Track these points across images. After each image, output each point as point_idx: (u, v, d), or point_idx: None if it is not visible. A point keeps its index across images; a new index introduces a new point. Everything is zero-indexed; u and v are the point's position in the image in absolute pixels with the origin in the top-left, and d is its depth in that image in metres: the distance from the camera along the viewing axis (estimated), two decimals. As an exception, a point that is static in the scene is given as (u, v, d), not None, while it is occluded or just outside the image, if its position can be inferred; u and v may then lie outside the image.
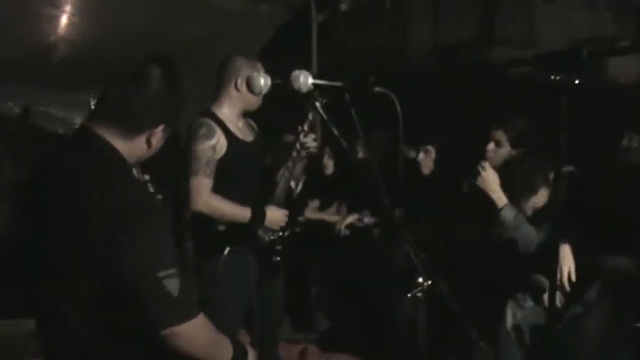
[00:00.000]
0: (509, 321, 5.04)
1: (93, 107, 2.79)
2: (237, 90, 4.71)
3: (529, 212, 5.06)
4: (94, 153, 2.69)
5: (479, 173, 5.02)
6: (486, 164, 5.04)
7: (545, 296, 5.00)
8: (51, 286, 2.69)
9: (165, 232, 2.67)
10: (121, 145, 2.73)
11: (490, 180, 5.00)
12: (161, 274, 2.54)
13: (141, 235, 2.55)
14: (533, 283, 5.13)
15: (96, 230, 2.52)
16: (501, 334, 4.96)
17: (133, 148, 2.77)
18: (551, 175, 5.00)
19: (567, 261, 4.66)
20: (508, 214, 4.97)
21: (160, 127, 2.79)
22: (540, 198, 5.11)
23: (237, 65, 4.72)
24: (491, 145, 5.22)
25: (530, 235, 4.92)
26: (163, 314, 2.58)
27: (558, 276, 4.52)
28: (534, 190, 5.04)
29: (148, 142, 2.79)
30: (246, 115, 4.89)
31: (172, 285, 2.56)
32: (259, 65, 4.72)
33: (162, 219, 2.71)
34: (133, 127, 2.74)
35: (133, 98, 2.71)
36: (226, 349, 2.89)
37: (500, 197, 5.00)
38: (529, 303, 5.10)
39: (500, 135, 5.25)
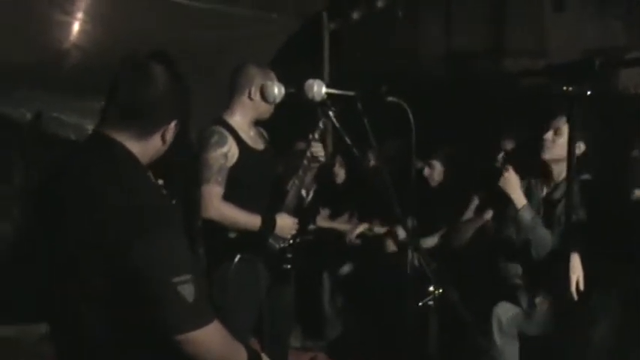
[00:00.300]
0: (495, 328, 5.07)
1: (102, 112, 2.80)
2: (251, 99, 4.72)
3: None
4: (107, 156, 2.70)
5: (502, 174, 5.03)
6: (509, 166, 5.06)
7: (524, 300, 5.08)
8: (63, 289, 2.70)
9: (180, 236, 2.67)
10: (135, 146, 2.74)
11: (512, 181, 5.02)
12: (176, 279, 2.53)
13: (155, 239, 2.55)
14: (513, 287, 5.19)
15: (110, 233, 2.53)
16: (490, 341, 4.98)
17: (147, 147, 2.79)
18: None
19: (576, 270, 4.67)
20: (526, 215, 4.98)
21: (173, 123, 2.81)
22: None
23: (251, 74, 4.73)
24: (549, 134, 5.11)
25: (546, 239, 4.93)
26: (178, 320, 2.58)
27: (568, 285, 4.52)
28: None
29: (163, 138, 2.81)
30: (257, 123, 4.91)
31: (187, 291, 2.55)
32: (272, 74, 4.74)
33: (177, 223, 2.70)
34: (147, 127, 2.76)
35: (143, 98, 2.71)
36: (241, 356, 2.87)
37: (519, 198, 5.01)
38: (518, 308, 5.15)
39: (562, 123, 5.13)
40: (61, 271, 2.70)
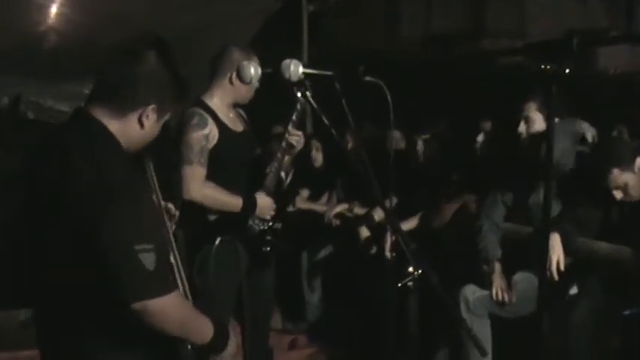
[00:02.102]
0: (463, 307, 5.10)
1: (91, 91, 2.84)
2: (232, 83, 4.69)
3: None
4: (83, 130, 2.74)
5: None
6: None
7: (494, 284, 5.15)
8: (40, 266, 2.77)
9: (145, 207, 2.71)
10: (113, 125, 2.76)
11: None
12: (137, 247, 2.56)
13: (119, 208, 2.57)
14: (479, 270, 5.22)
15: (77, 202, 2.57)
16: (465, 325, 4.97)
17: (125, 128, 2.79)
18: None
19: (556, 250, 4.67)
20: None
21: (151, 106, 2.80)
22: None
23: (234, 58, 4.68)
24: (521, 127, 5.14)
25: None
26: (136, 287, 2.59)
27: (547, 265, 4.51)
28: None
29: (140, 122, 2.80)
30: (236, 105, 4.88)
31: (148, 259, 2.57)
32: (255, 57, 4.69)
33: (143, 194, 2.74)
34: (123, 104, 2.77)
35: (125, 75, 2.75)
36: (204, 329, 2.88)
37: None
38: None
39: (531, 111, 5.16)
40: (37, 248, 2.75)
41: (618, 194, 4.75)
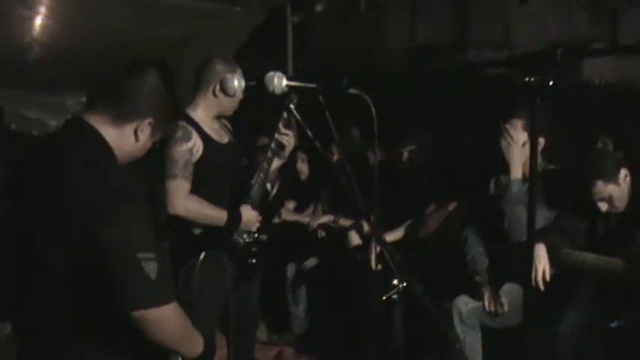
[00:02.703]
0: (456, 319, 5.10)
1: (87, 99, 2.90)
2: (215, 95, 4.68)
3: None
4: (80, 137, 2.77)
5: (509, 135, 5.00)
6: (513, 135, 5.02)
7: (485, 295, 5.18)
8: (33, 275, 2.75)
9: (146, 216, 2.72)
10: (108, 132, 2.80)
11: (514, 150, 5.00)
12: (140, 255, 2.57)
13: (121, 216, 2.59)
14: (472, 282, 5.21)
15: (79, 210, 2.57)
16: (451, 337, 4.95)
17: (121, 138, 2.83)
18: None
19: (542, 260, 4.67)
20: (516, 186, 4.95)
21: (148, 120, 2.85)
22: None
23: (217, 70, 4.67)
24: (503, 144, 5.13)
25: (522, 219, 4.84)
26: (138, 295, 2.60)
27: (533, 275, 4.51)
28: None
29: (136, 134, 2.85)
30: (222, 116, 4.87)
31: (151, 268, 2.58)
32: (239, 69, 4.68)
33: (143, 203, 2.75)
34: (123, 113, 2.82)
35: (127, 86, 2.83)
36: (197, 343, 2.91)
37: (516, 169, 5.00)
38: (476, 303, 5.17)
39: (515, 128, 5.12)
40: (32, 258, 2.73)
41: (603, 206, 4.75)
